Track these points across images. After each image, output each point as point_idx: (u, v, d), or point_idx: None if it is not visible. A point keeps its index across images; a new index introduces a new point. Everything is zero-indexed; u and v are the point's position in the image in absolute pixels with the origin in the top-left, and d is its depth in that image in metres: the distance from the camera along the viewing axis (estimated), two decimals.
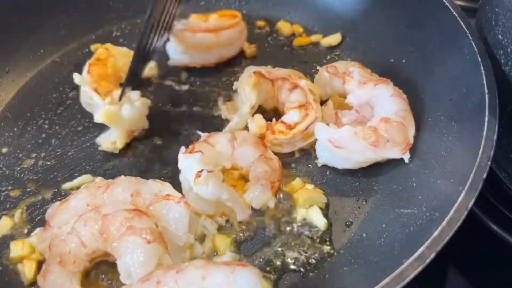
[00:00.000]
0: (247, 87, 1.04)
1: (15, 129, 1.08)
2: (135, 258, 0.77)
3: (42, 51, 1.22)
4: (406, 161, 0.94)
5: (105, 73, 1.07)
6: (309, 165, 1.02)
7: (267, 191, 0.93)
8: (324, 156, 1.00)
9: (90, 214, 0.83)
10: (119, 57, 1.12)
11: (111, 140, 1.04)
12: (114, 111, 1.00)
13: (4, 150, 1.05)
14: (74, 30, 1.26)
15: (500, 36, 0.91)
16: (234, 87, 1.10)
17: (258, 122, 1.03)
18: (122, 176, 0.92)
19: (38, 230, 0.90)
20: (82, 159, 1.04)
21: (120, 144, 1.03)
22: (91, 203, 0.87)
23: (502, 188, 1.02)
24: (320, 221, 0.91)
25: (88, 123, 1.10)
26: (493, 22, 0.92)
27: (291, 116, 1.03)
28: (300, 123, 1.01)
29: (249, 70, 1.07)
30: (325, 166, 1.01)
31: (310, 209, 0.93)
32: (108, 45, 1.14)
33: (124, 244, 0.79)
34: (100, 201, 0.87)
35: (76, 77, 1.05)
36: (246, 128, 1.05)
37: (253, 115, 1.06)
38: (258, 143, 1.00)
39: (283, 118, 1.04)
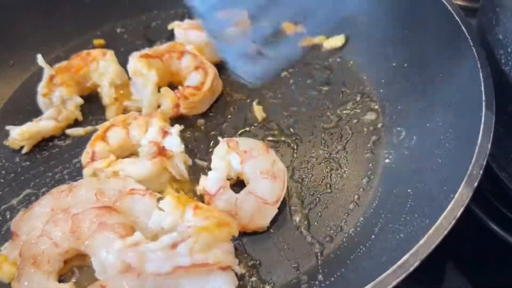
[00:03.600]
0: (144, 69, 1.07)
1: (16, 122, 1.09)
2: (109, 253, 0.78)
3: (46, 45, 1.23)
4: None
5: (70, 80, 1.10)
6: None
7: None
8: None
9: (60, 215, 0.84)
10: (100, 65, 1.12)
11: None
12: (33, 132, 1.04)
13: (5, 142, 1.07)
14: (79, 25, 1.27)
15: (500, 36, 0.90)
16: (130, 75, 1.11)
17: (169, 94, 1.07)
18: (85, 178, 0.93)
19: (6, 243, 0.89)
20: None
21: (27, 149, 1.05)
22: (56, 208, 0.87)
23: (502, 188, 1.01)
24: None
25: (88, 119, 1.12)
26: (494, 22, 0.91)
27: (193, 78, 1.11)
28: (206, 81, 1.09)
29: (134, 56, 1.10)
30: None
31: None
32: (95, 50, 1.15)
33: (97, 241, 0.80)
34: (65, 204, 0.87)
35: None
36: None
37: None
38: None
39: (187, 83, 1.11)
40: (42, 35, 1.24)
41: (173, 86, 1.13)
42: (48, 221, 0.84)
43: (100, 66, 1.11)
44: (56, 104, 1.08)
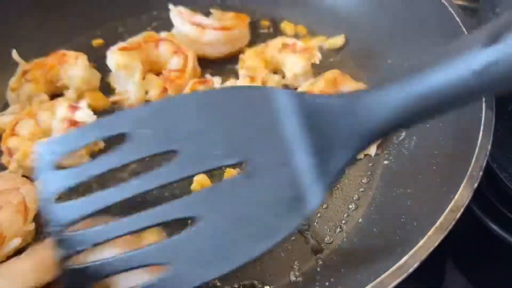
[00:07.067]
0: (127, 61, 1.09)
1: None
2: None
3: (46, 44, 1.22)
4: None
5: (41, 77, 1.11)
6: None
7: None
8: None
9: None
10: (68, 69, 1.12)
11: None
12: None
13: None
14: (80, 25, 1.27)
15: None
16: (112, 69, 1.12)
17: (156, 81, 1.11)
18: None
19: None
20: None
21: None
22: None
23: (502, 188, 1.01)
24: None
25: None
26: None
27: (173, 62, 1.14)
28: (188, 63, 1.12)
29: (113, 51, 1.11)
30: None
31: None
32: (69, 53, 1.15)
33: None
34: None
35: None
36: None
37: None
38: None
39: (169, 67, 1.14)
40: (41, 34, 1.23)
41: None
42: None
43: (70, 69, 1.12)
44: (21, 100, 1.08)
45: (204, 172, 0.79)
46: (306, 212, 0.68)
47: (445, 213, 0.73)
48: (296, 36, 1.28)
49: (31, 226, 0.89)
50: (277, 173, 0.68)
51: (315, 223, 0.92)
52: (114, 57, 1.10)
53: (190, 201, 0.71)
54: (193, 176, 0.75)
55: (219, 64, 1.21)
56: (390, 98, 0.65)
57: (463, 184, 0.76)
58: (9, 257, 0.85)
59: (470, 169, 0.77)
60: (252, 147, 0.70)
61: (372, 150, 1.01)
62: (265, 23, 1.31)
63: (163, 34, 1.18)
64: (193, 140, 0.71)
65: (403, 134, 1.02)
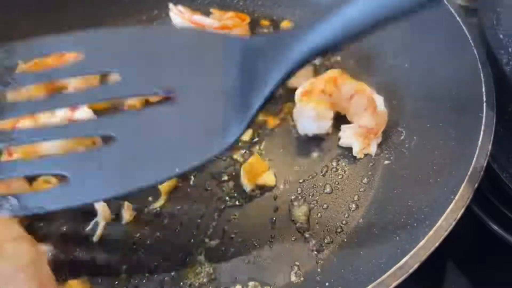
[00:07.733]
0: None
1: None
2: None
3: None
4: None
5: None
6: None
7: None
8: None
9: None
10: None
11: None
12: None
13: None
14: (79, 24, 1.25)
15: (501, 36, 0.90)
16: None
17: None
18: None
19: None
20: None
21: None
22: None
23: (502, 188, 1.00)
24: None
25: None
26: (495, 22, 0.91)
27: None
28: None
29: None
30: None
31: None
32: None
33: None
34: None
35: None
36: None
37: None
38: None
39: None
40: (42, 34, 1.22)
41: None
42: None
43: None
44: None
45: (134, 96, 0.85)
46: (222, 145, 0.69)
47: (445, 213, 0.73)
48: None
49: None
50: (202, 105, 0.72)
51: (316, 223, 0.92)
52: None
53: (111, 121, 0.74)
54: (124, 98, 0.83)
55: None
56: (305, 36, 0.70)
57: (463, 184, 0.76)
58: None
59: (470, 169, 0.77)
60: (185, 81, 0.74)
61: (373, 150, 1.01)
62: (265, 23, 1.31)
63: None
64: (135, 67, 0.77)
65: (404, 134, 1.02)
